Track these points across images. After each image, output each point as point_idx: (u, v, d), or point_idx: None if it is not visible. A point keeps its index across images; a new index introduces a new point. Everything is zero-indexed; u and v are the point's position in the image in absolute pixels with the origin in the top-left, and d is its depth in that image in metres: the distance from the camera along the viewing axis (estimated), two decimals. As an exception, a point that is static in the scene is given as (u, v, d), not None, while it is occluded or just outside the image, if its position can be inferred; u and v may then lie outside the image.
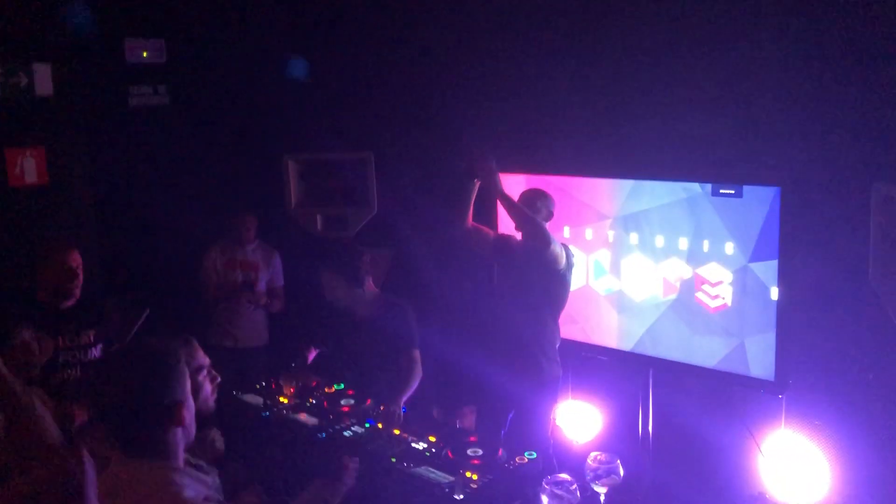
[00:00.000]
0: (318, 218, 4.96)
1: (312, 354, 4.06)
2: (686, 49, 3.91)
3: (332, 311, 3.93)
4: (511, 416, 3.86)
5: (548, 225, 3.79)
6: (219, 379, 2.51)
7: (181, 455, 1.85)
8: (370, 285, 3.87)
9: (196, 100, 5.43)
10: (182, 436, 1.83)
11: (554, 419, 3.97)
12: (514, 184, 4.10)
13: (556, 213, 3.92)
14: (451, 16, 4.80)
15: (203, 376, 2.42)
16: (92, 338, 3.57)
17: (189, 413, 1.84)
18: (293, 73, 5.21)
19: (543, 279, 3.70)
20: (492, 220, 4.23)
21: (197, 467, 2.20)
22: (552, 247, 3.57)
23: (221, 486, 2.31)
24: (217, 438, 2.48)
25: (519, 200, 3.80)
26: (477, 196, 3.76)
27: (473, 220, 3.82)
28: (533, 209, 3.72)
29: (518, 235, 3.81)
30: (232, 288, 4.75)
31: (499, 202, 3.59)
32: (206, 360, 2.46)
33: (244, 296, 4.72)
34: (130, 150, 5.15)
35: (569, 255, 3.72)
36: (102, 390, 1.80)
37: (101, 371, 1.87)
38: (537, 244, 3.57)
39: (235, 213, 4.82)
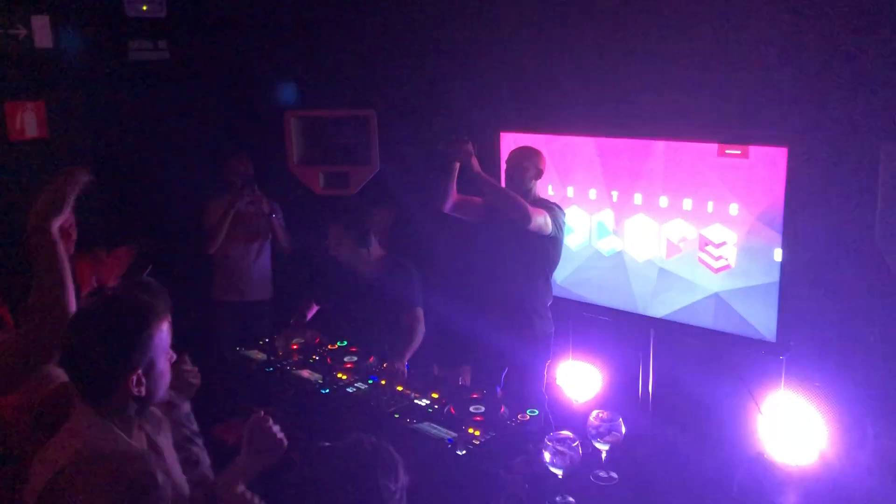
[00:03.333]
0: (320, 175, 4.93)
1: (312, 311, 4.07)
2: (692, 6, 3.85)
3: (335, 267, 3.92)
4: (505, 373, 3.91)
5: (538, 182, 3.84)
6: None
7: (132, 416, 1.86)
8: (376, 245, 3.87)
9: (196, 55, 5.36)
10: (142, 395, 1.83)
11: (549, 376, 4.01)
12: (517, 142, 4.08)
13: (559, 174, 3.90)
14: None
15: None
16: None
17: (153, 375, 1.84)
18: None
19: (532, 244, 3.74)
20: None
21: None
22: (533, 222, 3.59)
23: (192, 416, 2.31)
24: (189, 371, 2.32)
25: (507, 160, 3.86)
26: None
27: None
28: (520, 169, 3.78)
29: None
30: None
31: (477, 183, 3.65)
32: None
33: (245, 193, 4.63)
34: (130, 104, 5.09)
35: (556, 219, 3.73)
36: (72, 334, 1.81)
37: (76, 317, 1.88)
38: (517, 223, 3.59)
39: (229, 157, 4.79)
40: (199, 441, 2.27)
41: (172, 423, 2.16)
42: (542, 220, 3.63)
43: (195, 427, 2.29)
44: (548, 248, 3.78)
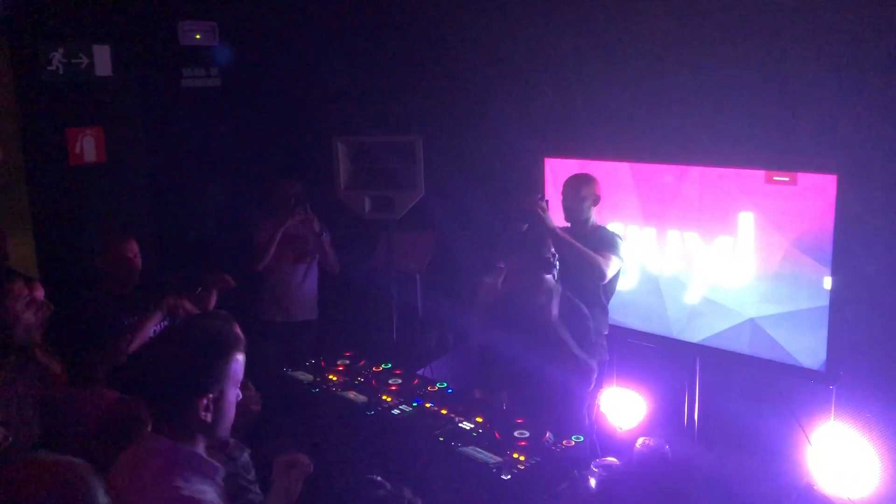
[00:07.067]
0: (366, 200, 5.00)
1: None
2: (742, 32, 3.85)
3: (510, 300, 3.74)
4: (548, 401, 3.87)
5: (595, 208, 3.81)
6: None
7: (200, 441, 1.85)
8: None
9: (247, 82, 5.50)
10: (208, 422, 1.82)
11: (596, 405, 3.96)
12: (565, 168, 4.10)
13: (604, 200, 3.90)
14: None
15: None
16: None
17: (223, 404, 1.83)
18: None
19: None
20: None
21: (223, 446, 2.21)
22: (607, 277, 3.57)
23: (251, 463, 2.34)
24: (251, 397, 2.38)
25: (563, 190, 3.84)
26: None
27: None
28: (578, 198, 3.77)
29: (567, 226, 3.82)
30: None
31: (554, 242, 3.56)
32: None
33: (299, 210, 4.72)
34: (183, 130, 5.24)
35: (620, 253, 3.71)
36: (144, 362, 1.85)
37: (156, 338, 1.91)
38: (595, 280, 3.58)
39: (278, 182, 4.89)
40: (256, 488, 2.29)
41: (229, 475, 2.14)
42: (612, 270, 3.61)
43: (252, 475, 2.31)
44: (606, 284, 3.74)
